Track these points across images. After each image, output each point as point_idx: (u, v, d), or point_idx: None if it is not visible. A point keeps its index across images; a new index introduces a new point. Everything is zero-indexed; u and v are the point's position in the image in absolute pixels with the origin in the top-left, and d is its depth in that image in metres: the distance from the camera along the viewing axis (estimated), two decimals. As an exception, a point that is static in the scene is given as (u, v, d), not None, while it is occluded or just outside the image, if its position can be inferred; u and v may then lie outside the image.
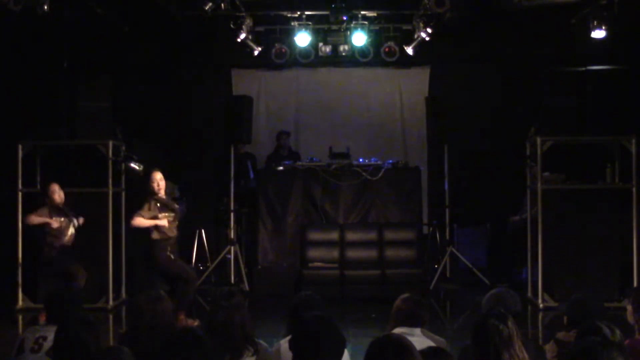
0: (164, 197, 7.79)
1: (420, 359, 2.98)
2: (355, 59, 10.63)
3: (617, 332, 3.64)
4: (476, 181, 10.94)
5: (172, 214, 7.71)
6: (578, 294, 4.42)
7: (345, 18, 10.06)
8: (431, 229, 10.35)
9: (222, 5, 9.22)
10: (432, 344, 3.90)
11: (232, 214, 10.03)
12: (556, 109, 8.82)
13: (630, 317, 4.47)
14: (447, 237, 10.37)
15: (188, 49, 10.87)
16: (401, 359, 2.88)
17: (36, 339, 4.08)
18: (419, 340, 3.83)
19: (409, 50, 10.44)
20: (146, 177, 7.87)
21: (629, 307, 4.47)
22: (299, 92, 11.53)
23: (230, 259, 9.83)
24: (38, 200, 8.18)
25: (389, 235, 9.72)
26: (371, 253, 9.62)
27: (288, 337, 3.43)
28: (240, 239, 10.10)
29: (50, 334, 4.02)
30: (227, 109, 10.18)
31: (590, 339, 3.16)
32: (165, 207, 7.69)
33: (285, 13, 10.37)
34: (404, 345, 2.92)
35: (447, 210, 10.48)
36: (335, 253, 9.60)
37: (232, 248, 9.80)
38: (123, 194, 9.10)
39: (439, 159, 10.74)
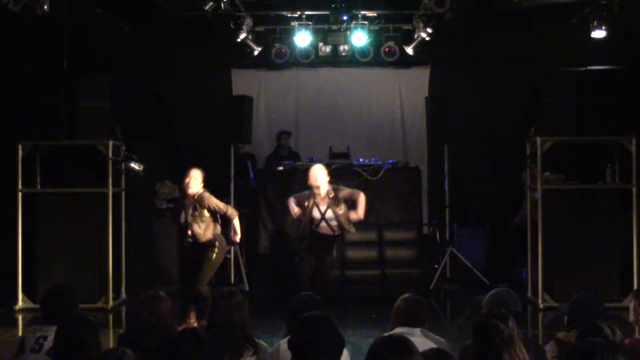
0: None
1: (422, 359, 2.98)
2: (355, 59, 10.62)
3: (618, 332, 3.64)
4: (476, 181, 10.94)
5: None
6: (579, 294, 4.41)
7: (345, 18, 10.06)
8: (431, 229, 10.35)
9: (222, 5, 9.22)
10: (432, 344, 3.90)
11: (232, 214, 10.01)
12: (556, 109, 8.79)
13: (632, 315, 4.46)
14: (447, 237, 10.37)
15: (188, 49, 10.87)
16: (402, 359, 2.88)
17: (37, 339, 4.07)
18: (419, 340, 3.82)
19: (409, 50, 10.44)
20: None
21: (632, 304, 4.46)
22: (299, 92, 11.53)
23: (230, 258, 9.83)
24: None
25: (389, 235, 9.71)
26: (371, 253, 9.61)
27: (288, 337, 3.43)
28: (240, 239, 10.08)
29: (51, 333, 4.02)
30: (227, 109, 10.18)
31: (592, 340, 3.15)
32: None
33: (285, 13, 10.36)
34: (406, 346, 2.92)
35: (447, 210, 10.49)
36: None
37: (232, 248, 9.80)
38: (123, 194, 9.10)
39: (439, 159, 10.74)
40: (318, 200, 7.73)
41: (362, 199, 7.87)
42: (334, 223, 7.73)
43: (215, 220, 7.48)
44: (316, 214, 7.73)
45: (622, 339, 3.68)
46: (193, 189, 7.41)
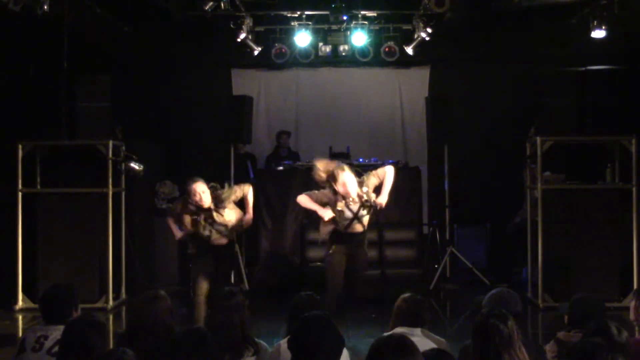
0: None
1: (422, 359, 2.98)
2: (355, 59, 10.63)
3: (624, 333, 3.63)
4: (476, 181, 10.94)
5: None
6: (579, 294, 4.41)
7: (345, 18, 10.07)
8: (431, 229, 10.35)
9: (222, 5, 9.22)
10: (432, 344, 3.90)
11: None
12: (556, 109, 8.79)
13: (633, 314, 4.46)
14: (447, 237, 10.37)
15: (188, 49, 10.87)
16: (403, 359, 2.88)
17: (37, 338, 4.07)
18: (419, 340, 3.82)
19: (409, 50, 10.44)
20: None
21: (632, 303, 4.46)
22: (299, 92, 11.53)
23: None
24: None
25: (389, 235, 9.68)
26: (371, 253, 9.54)
27: (288, 337, 3.43)
28: (241, 239, 10.09)
29: (51, 333, 4.03)
30: (227, 109, 10.18)
31: (592, 340, 3.15)
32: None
33: (285, 13, 10.37)
34: (406, 345, 2.91)
35: (447, 210, 10.48)
36: (335, 253, 9.56)
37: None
38: (123, 194, 9.10)
39: (439, 159, 10.74)
40: (349, 201, 6.94)
41: (389, 176, 6.99)
42: (365, 219, 7.05)
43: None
44: (348, 214, 6.97)
45: (627, 340, 3.67)
46: (207, 202, 6.85)
